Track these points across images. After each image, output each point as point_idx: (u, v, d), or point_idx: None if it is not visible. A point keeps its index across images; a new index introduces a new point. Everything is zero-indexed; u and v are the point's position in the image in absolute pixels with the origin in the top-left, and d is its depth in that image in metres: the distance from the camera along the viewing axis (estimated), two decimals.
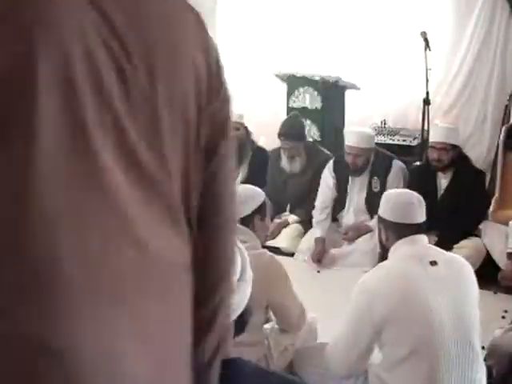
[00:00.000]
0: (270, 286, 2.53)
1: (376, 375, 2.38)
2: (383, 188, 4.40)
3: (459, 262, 2.41)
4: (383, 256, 2.53)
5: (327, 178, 4.61)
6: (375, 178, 4.48)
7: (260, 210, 2.68)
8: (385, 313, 2.23)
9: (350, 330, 2.36)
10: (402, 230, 2.41)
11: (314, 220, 4.62)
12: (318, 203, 4.64)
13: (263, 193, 2.76)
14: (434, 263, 2.30)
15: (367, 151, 4.43)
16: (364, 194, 4.53)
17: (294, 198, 4.91)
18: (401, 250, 2.39)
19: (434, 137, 4.33)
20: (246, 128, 5.12)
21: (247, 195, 2.65)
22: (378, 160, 4.51)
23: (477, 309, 2.34)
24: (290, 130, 4.73)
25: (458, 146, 4.29)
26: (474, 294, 2.35)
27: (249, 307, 1.50)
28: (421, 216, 2.46)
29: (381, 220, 2.53)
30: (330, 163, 4.63)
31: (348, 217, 4.63)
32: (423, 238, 2.42)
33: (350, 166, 4.44)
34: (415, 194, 2.54)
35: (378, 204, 4.47)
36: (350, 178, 4.56)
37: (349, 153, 4.42)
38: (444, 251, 2.47)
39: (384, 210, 2.52)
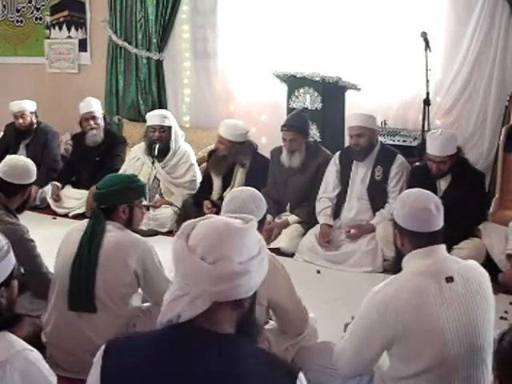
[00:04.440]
0: (269, 286, 2.51)
1: (382, 380, 2.36)
2: (386, 177, 4.47)
3: (477, 275, 2.27)
4: (397, 260, 2.45)
5: (332, 167, 4.74)
6: (379, 167, 4.56)
7: (267, 213, 2.73)
8: (396, 330, 2.17)
9: (359, 337, 2.31)
10: (419, 239, 2.27)
11: (316, 211, 4.70)
12: (320, 193, 4.74)
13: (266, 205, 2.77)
14: (450, 279, 2.18)
15: (369, 131, 4.55)
16: (367, 182, 4.58)
17: (294, 196, 4.92)
18: (415, 262, 2.26)
19: (431, 149, 4.18)
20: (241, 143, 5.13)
21: (261, 199, 2.67)
22: (383, 152, 4.61)
23: (492, 325, 2.26)
24: (292, 122, 4.82)
25: (456, 153, 4.22)
26: (489, 309, 2.26)
27: (254, 318, 1.54)
28: (438, 223, 2.29)
29: (396, 225, 2.37)
30: (337, 154, 4.76)
31: (350, 205, 4.65)
32: (441, 249, 2.28)
33: (355, 147, 4.58)
34: (434, 197, 2.35)
35: (380, 192, 4.54)
36: (353, 167, 4.64)
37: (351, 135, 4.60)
38: (461, 261, 2.32)
39: (399, 216, 2.33)
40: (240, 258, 1.42)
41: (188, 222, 1.53)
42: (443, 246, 2.30)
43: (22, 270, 3.15)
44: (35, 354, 1.74)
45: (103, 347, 1.49)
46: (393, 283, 2.26)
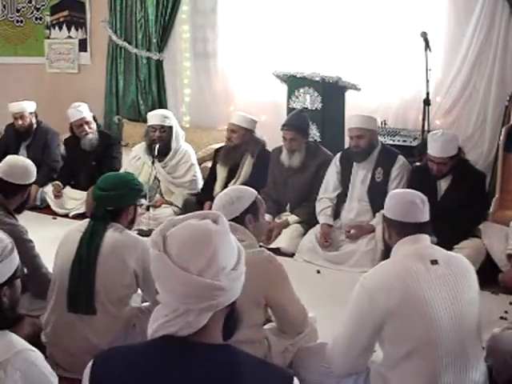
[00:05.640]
0: (267, 284, 2.52)
1: (377, 373, 2.38)
2: (386, 179, 4.47)
3: (460, 261, 2.41)
4: (386, 253, 2.54)
5: (332, 168, 4.73)
6: (379, 168, 4.55)
7: (250, 210, 2.64)
8: (385, 310, 2.24)
9: (350, 328, 2.37)
10: (405, 229, 2.42)
11: (317, 211, 4.69)
12: (320, 194, 4.74)
13: (254, 193, 2.71)
14: (434, 262, 2.30)
15: (369, 132, 4.53)
16: (367, 184, 4.58)
17: (294, 196, 4.92)
18: (402, 248, 2.40)
19: (431, 150, 4.17)
20: (248, 130, 5.20)
21: (233, 197, 2.63)
22: (384, 153, 4.60)
23: (477, 307, 2.34)
24: (293, 121, 4.83)
25: (457, 154, 4.20)
26: (474, 293, 2.35)
27: (240, 311, 1.48)
28: (423, 216, 2.46)
29: (384, 218, 2.55)
30: (337, 156, 4.75)
31: (350, 206, 4.65)
32: (425, 238, 2.43)
33: (354, 148, 4.56)
34: (419, 194, 2.52)
35: (380, 194, 4.56)
36: (353, 169, 4.63)
37: (351, 136, 4.59)
38: (445, 250, 2.46)
39: (387, 209, 2.53)
40: (232, 262, 1.40)
41: (154, 234, 1.42)
42: (427, 237, 2.44)
43: (26, 270, 3.13)
44: (36, 354, 1.73)
45: (92, 361, 1.43)
46: (381, 267, 2.39)
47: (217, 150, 5.48)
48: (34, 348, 1.75)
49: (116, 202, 2.88)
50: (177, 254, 1.36)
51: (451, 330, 2.22)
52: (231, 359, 1.39)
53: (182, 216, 1.48)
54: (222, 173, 5.26)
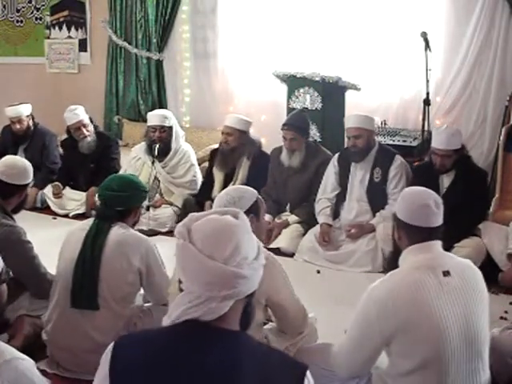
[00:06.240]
0: (267, 284, 2.50)
1: (380, 378, 2.35)
2: (385, 178, 4.48)
3: (472, 271, 2.30)
4: (394, 255, 2.46)
5: (331, 168, 4.73)
6: (377, 168, 4.54)
7: (251, 210, 2.62)
8: (394, 325, 2.18)
9: (356, 336, 2.31)
10: (416, 233, 2.29)
11: (316, 211, 4.69)
12: (319, 194, 4.73)
13: (255, 193, 2.70)
14: (446, 273, 2.21)
15: (367, 132, 4.51)
16: (366, 184, 4.57)
17: (294, 196, 4.92)
18: (413, 257, 2.27)
19: (436, 143, 4.21)
20: (244, 132, 5.19)
21: (235, 197, 2.61)
22: (382, 153, 4.59)
23: (487, 319, 2.28)
24: (293, 121, 4.83)
25: (460, 149, 4.23)
26: (485, 304, 2.28)
27: (253, 306, 1.54)
28: (437, 220, 2.30)
29: (395, 218, 2.40)
30: (335, 156, 4.75)
31: (349, 206, 4.65)
32: (437, 245, 2.30)
33: (352, 148, 4.56)
34: (434, 194, 2.36)
35: (379, 194, 4.55)
36: (351, 169, 4.62)
37: (348, 137, 4.58)
38: (457, 257, 2.37)
39: (399, 209, 2.37)
40: (253, 253, 1.47)
41: (178, 226, 1.49)
42: (439, 243, 2.32)
43: (11, 274, 3.11)
44: (27, 363, 1.67)
45: (113, 343, 1.47)
46: (390, 279, 2.27)
47: (212, 152, 5.46)
48: (24, 356, 1.69)
49: (125, 203, 2.90)
50: (201, 244, 1.43)
51: (461, 345, 2.16)
52: (249, 346, 1.45)
53: (203, 212, 1.57)
54: (219, 176, 5.26)
